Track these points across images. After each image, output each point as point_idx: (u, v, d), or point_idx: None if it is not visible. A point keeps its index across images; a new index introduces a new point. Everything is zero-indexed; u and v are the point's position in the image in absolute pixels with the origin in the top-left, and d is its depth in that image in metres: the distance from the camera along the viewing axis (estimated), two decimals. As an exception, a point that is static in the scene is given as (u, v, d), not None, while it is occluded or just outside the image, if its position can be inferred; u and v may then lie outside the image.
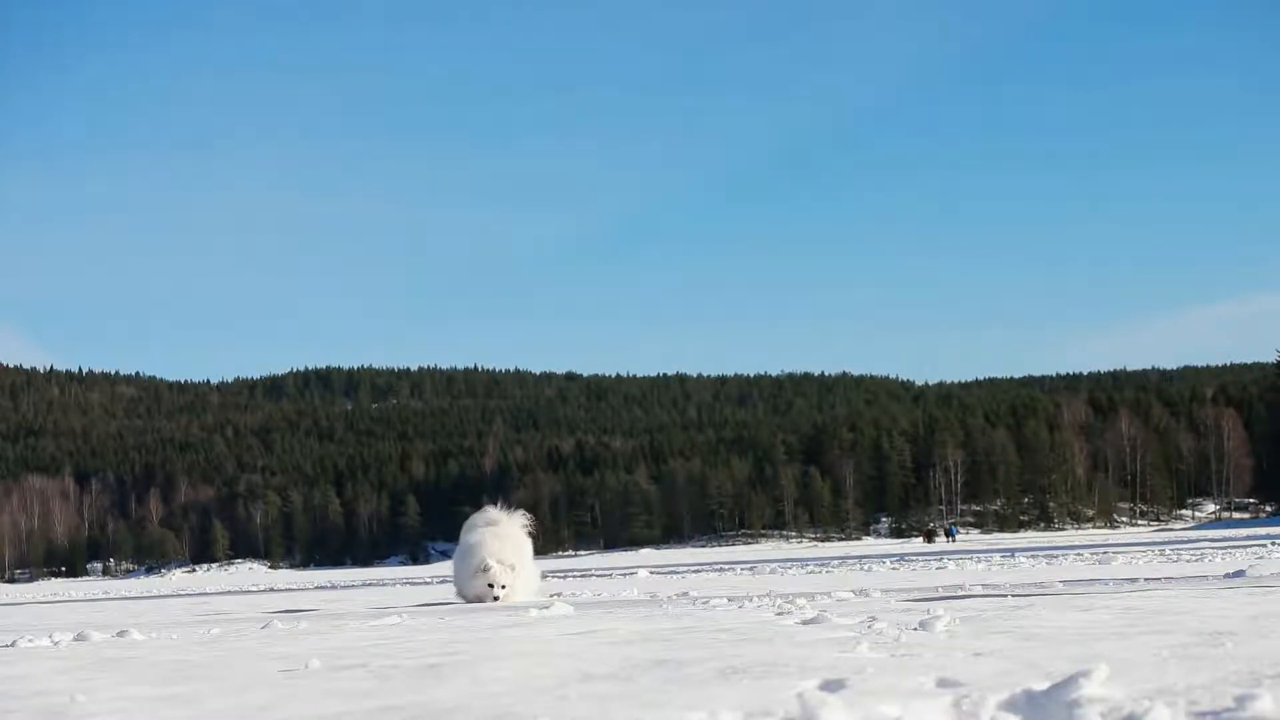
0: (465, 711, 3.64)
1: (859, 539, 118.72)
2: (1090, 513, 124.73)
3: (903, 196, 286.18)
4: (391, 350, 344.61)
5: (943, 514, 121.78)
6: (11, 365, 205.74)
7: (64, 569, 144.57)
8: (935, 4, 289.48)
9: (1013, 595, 8.85)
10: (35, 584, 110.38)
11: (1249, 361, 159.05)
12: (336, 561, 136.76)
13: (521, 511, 13.83)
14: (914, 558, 30.99)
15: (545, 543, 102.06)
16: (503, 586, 12.43)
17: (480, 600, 12.42)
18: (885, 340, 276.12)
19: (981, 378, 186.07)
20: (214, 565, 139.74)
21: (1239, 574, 11.22)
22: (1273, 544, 27.22)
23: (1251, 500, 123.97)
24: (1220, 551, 22.76)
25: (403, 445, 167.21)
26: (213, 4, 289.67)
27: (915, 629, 5.70)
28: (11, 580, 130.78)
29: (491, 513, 13.48)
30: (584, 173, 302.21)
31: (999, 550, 37.62)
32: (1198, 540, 40.20)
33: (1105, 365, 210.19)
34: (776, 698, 3.67)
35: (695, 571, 27.62)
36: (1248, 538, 39.59)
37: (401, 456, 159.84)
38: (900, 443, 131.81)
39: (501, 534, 12.99)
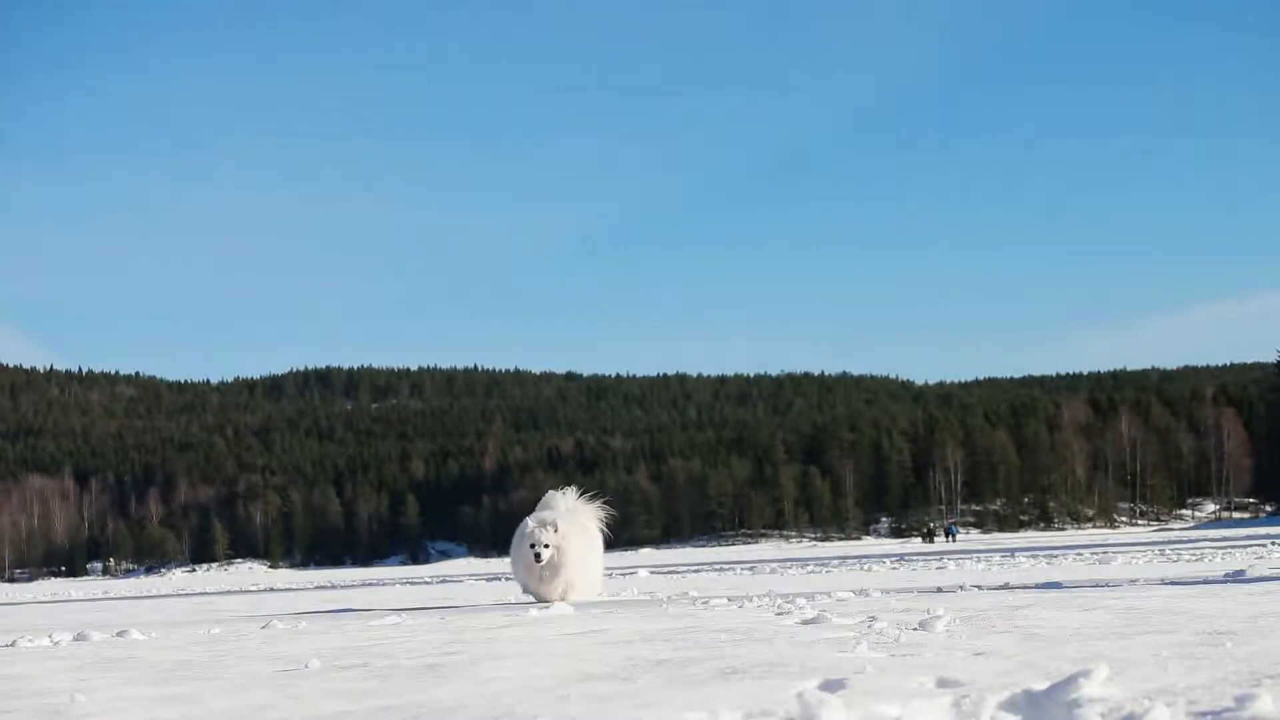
0: (465, 711, 3.64)
1: (859, 539, 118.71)
2: (1090, 513, 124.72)
3: (902, 196, 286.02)
4: (391, 350, 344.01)
5: (943, 514, 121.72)
6: (11, 365, 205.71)
7: (64, 569, 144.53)
8: (935, 4, 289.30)
9: (1012, 595, 8.85)
10: (35, 584, 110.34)
11: (1249, 361, 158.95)
12: (336, 561, 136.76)
13: (590, 498, 12.16)
14: (914, 557, 30.97)
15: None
16: (545, 546, 10.87)
17: (536, 594, 10.99)
18: (885, 340, 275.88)
19: (981, 377, 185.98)
20: (214, 565, 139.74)
21: (1239, 574, 11.21)
22: (1273, 544, 27.21)
23: (1251, 500, 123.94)
24: (1220, 551, 22.76)
25: (402, 445, 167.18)
26: (213, 4, 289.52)
27: (915, 629, 5.69)
28: (11, 580, 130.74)
29: (558, 498, 11.87)
30: (584, 172, 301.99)
31: (999, 550, 37.61)
32: (1198, 540, 40.18)
33: (1105, 365, 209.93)
34: (776, 698, 3.67)
35: (695, 571, 27.60)
36: (1248, 538, 39.57)
37: (401, 456, 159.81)
38: (900, 442, 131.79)
39: (566, 510, 11.59)
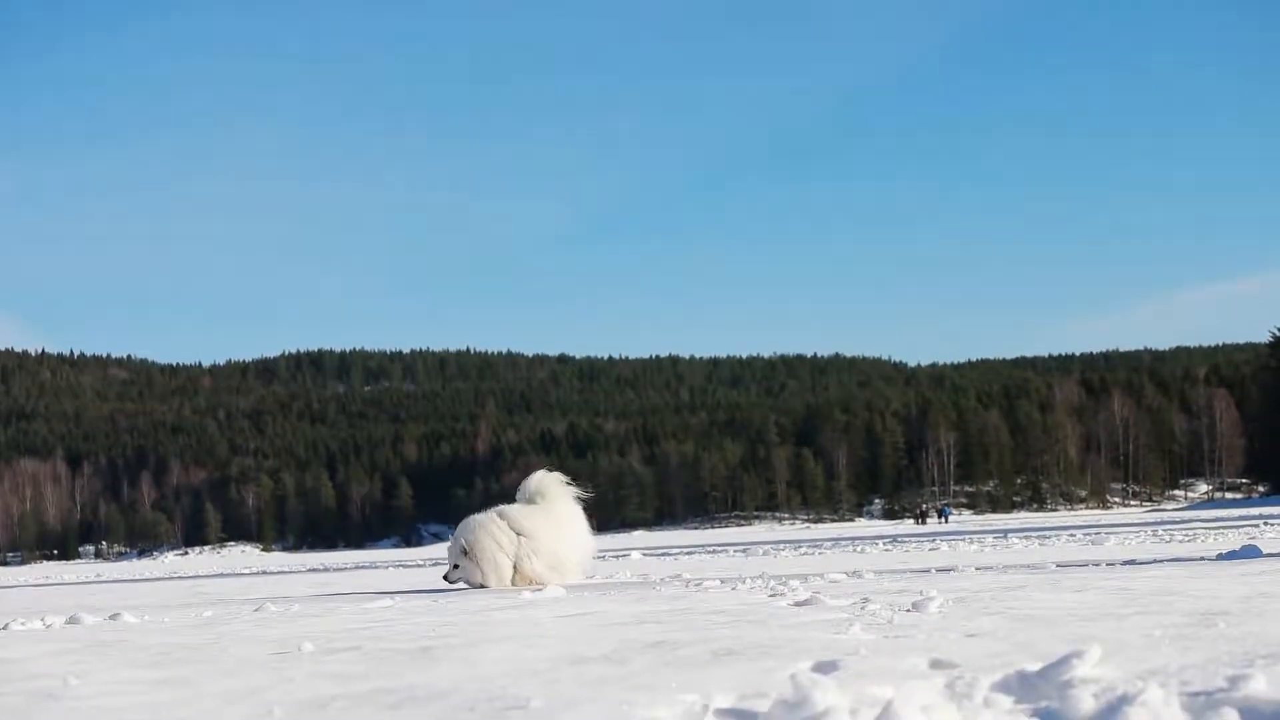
0: (458, 693, 3.64)
1: (852, 520, 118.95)
2: (1083, 493, 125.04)
3: (897, 179, 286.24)
4: (384, 333, 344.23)
5: (935, 495, 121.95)
6: (3, 348, 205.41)
7: (56, 552, 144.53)
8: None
9: (1005, 576, 8.86)
10: (27, 567, 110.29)
11: (1241, 342, 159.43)
12: (329, 544, 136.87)
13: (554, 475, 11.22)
14: (907, 539, 31.01)
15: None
16: (457, 573, 10.47)
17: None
18: (878, 322, 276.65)
19: (974, 359, 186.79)
20: (206, 548, 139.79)
21: (1232, 555, 11.23)
22: (1265, 524, 27.27)
23: (1244, 480, 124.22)
24: (1213, 532, 22.79)
25: (395, 428, 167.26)
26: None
27: (908, 610, 5.69)
28: (3, 563, 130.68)
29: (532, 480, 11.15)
30: (577, 155, 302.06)
31: (992, 531, 37.66)
32: (1190, 521, 40.26)
33: (1098, 346, 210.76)
34: (770, 679, 3.66)
35: (688, 553, 27.61)
36: (1240, 518, 39.65)
37: (394, 439, 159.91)
38: (893, 424, 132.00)
39: (536, 491, 10.93)
